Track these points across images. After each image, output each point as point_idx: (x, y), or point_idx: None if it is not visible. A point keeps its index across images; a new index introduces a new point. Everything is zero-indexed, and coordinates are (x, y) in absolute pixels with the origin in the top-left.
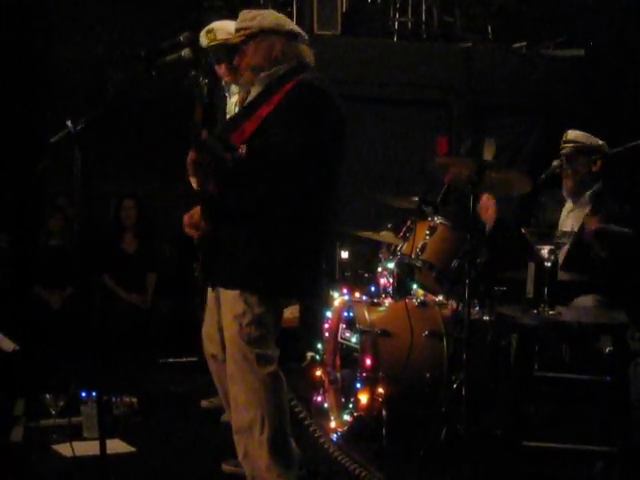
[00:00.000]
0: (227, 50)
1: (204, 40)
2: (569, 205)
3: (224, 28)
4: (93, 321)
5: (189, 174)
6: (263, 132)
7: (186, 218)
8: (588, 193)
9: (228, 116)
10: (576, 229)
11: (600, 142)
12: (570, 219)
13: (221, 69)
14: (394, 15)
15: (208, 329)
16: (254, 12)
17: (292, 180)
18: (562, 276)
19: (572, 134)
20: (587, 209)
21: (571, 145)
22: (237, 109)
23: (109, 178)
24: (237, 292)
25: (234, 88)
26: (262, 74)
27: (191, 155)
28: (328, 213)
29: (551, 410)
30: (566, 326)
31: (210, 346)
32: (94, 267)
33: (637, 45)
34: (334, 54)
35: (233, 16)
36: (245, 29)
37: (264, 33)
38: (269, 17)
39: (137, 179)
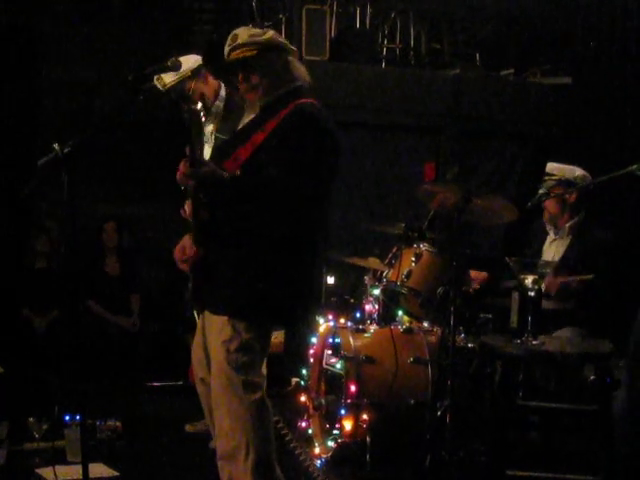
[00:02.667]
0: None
1: (159, 87)
2: (551, 235)
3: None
4: (77, 344)
5: (180, 183)
6: (258, 159)
7: (177, 253)
8: (568, 224)
9: (205, 144)
10: (557, 259)
11: (576, 173)
12: (552, 249)
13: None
14: (382, 41)
15: (197, 353)
16: (258, 29)
17: (284, 206)
18: (544, 305)
19: (549, 167)
20: (567, 240)
21: (548, 178)
22: (213, 137)
23: (97, 201)
24: (225, 317)
25: (209, 117)
26: (262, 100)
27: (182, 168)
28: (319, 239)
29: (535, 438)
30: (549, 356)
31: (199, 370)
32: (79, 290)
33: (624, 72)
34: (322, 79)
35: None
36: (256, 43)
37: (275, 48)
38: (275, 34)
39: (125, 202)
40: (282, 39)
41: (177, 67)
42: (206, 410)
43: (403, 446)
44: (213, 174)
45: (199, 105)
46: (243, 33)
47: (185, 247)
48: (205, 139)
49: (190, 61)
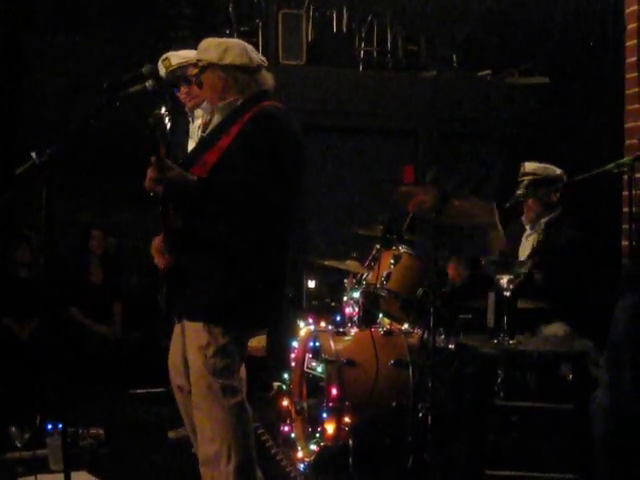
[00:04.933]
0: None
1: (162, 69)
2: (527, 230)
3: (178, 54)
4: (58, 352)
5: (148, 189)
6: (225, 164)
7: (156, 241)
8: (544, 220)
9: (190, 140)
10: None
11: (558, 172)
12: (528, 244)
13: (182, 95)
14: (359, 44)
15: (173, 360)
16: (211, 42)
17: (252, 209)
18: (526, 304)
19: (529, 166)
20: (541, 236)
21: (529, 177)
22: (199, 132)
23: (77, 209)
24: (201, 323)
25: (197, 112)
26: (220, 103)
27: (150, 173)
28: (288, 241)
29: (514, 438)
30: (525, 355)
31: (176, 377)
32: (60, 298)
33: (600, 72)
34: (299, 84)
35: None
36: (199, 61)
37: (214, 66)
38: (230, 50)
39: (106, 209)
40: (246, 55)
41: (153, 74)
42: (185, 417)
43: (385, 448)
44: (180, 177)
45: (162, 109)
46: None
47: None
48: (191, 134)
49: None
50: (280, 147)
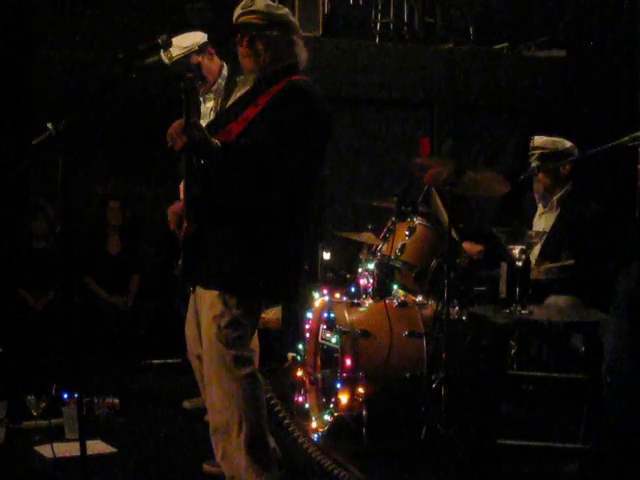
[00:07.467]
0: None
1: (164, 59)
2: (540, 208)
3: (178, 44)
4: (74, 323)
5: (170, 141)
6: (250, 134)
7: (171, 210)
8: (556, 197)
9: (202, 121)
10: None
11: (567, 145)
12: (541, 222)
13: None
14: (376, 16)
15: (191, 329)
16: (274, 3)
17: (275, 181)
18: (538, 275)
19: (538, 140)
20: (556, 213)
21: (538, 152)
22: (212, 114)
23: (93, 179)
24: (216, 293)
25: (209, 95)
26: (258, 72)
27: (175, 125)
28: (309, 215)
29: (527, 408)
30: (537, 325)
31: (194, 346)
32: (76, 269)
33: (617, 46)
34: (315, 55)
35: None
36: (270, 15)
37: (286, 25)
38: (289, 12)
39: (121, 180)
40: (294, 19)
41: (167, 45)
42: (202, 385)
43: (399, 419)
44: (204, 138)
45: (191, 74)
46: (260, 1)
47: (179, 209)
48: (203, 115)
49: (197, 36)
50: (306, 118)
